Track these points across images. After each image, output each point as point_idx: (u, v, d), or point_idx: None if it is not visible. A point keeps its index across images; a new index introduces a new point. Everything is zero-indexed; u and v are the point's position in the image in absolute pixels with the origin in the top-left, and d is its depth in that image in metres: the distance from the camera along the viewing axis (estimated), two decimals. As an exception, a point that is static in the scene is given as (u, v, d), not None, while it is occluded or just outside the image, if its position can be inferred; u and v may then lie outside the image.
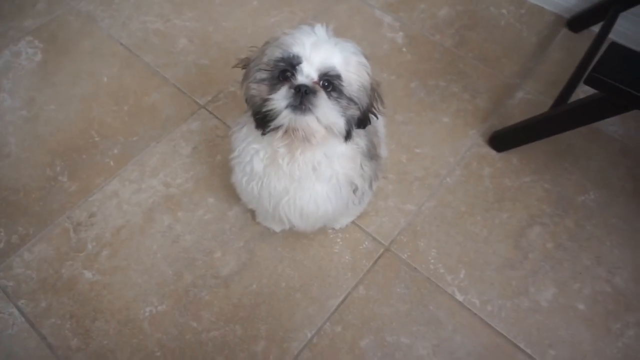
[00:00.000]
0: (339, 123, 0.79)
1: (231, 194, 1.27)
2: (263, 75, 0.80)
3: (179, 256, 1.18)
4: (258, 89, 0.80)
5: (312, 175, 0.89)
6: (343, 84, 0.78)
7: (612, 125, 1.38)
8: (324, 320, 1.11)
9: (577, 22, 1.56)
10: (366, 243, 1.21)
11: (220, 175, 1.30)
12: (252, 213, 1.23)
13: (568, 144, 1.35)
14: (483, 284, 1.15)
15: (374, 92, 0.84)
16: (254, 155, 0.91)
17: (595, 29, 1.47)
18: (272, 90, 0.78)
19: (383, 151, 1.09)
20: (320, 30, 0.80)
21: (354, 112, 0.81)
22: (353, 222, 1.23)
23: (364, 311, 1.12)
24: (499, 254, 1.19)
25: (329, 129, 0.79)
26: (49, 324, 1.09)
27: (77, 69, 1.49)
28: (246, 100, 0.85)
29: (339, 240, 1.21)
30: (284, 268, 1.17)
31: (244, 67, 0.86)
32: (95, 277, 1.15)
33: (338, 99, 0.79)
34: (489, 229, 1.23)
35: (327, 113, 0.77)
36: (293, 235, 1.21)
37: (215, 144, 1.35)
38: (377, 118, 0.89)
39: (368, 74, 0.82)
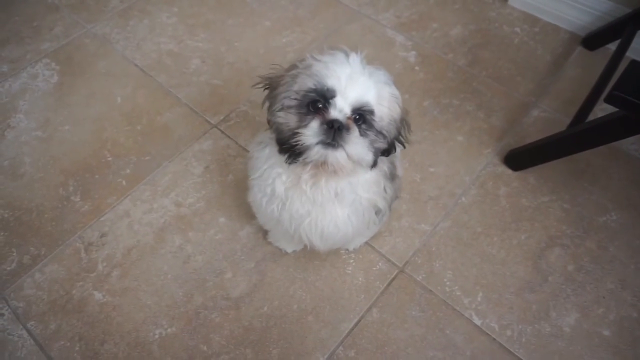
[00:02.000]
0: (368, 158, 0.78)
1: (242, 213, 1.25)
2: (292, 103, 0.77)
3: (190, 277, 1.17)
4: (286, 118, 0.78)
5: (334, 200, 0.88)
6: (375, 118, 0.77)
7: (633, 144, 1.35)
8: (337, 345, 1.07)
9: (592, 40, 1.54)
10: (380, 264, 1.18)
11: (232, 195, 1.29)
12: (264, 233, 1.21)
13: (587, 163, 1.32)
14: (502, 307, 1.11)
15: (403, 122, 0.83)
16: (276, 177, 0.89)
17: (612, 46, 1.45)
18: (301, 122, 0.76)
19: (399, 170, 1.08)
20: (355, 60, 0.77)
21: (382, 145, 0.80)
22: (366, 243, 1.20)
23: (378, 335, 1.08)
24: (518, 276, 1.16)
25: (357, 163, 0.78)
26: (58, 347, 1.08)
27: (91, 89, 1.51)
28: (270, 124, 0.83)
29: (352, 261, 1.18)
30: (295, 290, 1.14)
31: (265, 88, 0.85)
32: (106, 298, 1.14)
33: (367, 132, 0.77)
34: (506, 250, 1.19)
35: (358, 149, 0.76)
36: (305, 256, 1.19)
37: (227, 163, 1.35)
38: (405, 147, 0.87)
39: (399, 105, 0.80)
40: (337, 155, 0.75)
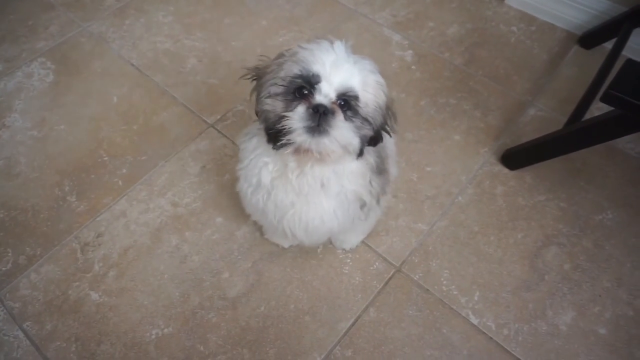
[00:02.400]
0: (354, 143, 0.78)
1: (239, 213, 1.25)
2: (278, 90, 0.78)
3: (186, 277, 1.16)
4: (272, 105, 0.79)
5: (320, 190, 0.88)
6: (360, 104, 0.77)
7: (629, 143, 1.35)
8: (334, 344, 1.07)
9: (589, 39, 1.55)
10: (377, 264, 1.18)
11: (229, 195, 1.28)
12: (261, 233, 1.21)
13: (583, 161, 1.32)
14: (498, 306, 1.12)
15: (388, 110, 0.83)
16: (262, 167, 0.89)
17: (608, 45, 1.45)
18: (287, 107, 0.77)
19: (394, 170, 1.08)
20: (339, 47, 0.78)
21: (368, 132, 0.80)
22: (363, 242, 1.20)
23: (375, 334, 1.08)
24: (515, 275, 1.16)
25: (344, 148, 0.78)
26: (54, 347, 1.07)
27: (87, 89, 1.51)
28: (257, 114, 0.84)
29: (348, 260, 1.18)
30: (292, 289, 1.14)
31: (253, 79, 0.85)
32: (102, 298, 1.14)
33: (353, 119, 0.78)
34: (503, 249, 1.20)
35: (344, 134, 0.76)
36: (302, 255, 1.18)
37: (223, 162, 1.35)
38: (390, 136, 0.87)
39: (384, 93, 0.81)
40: (323, 140, 0.76)
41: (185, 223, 1.24)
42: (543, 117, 1.42)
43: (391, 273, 1.16)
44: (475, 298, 1.13)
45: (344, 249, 1.19)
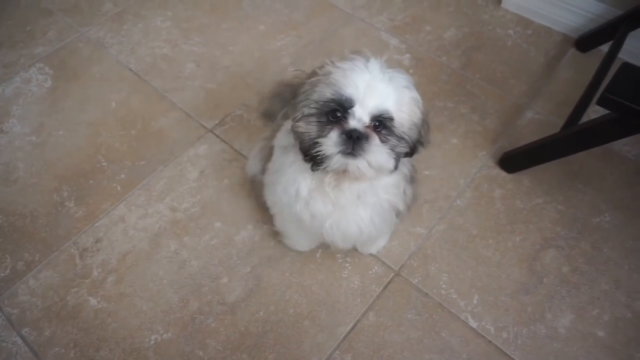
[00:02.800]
0: (389, 165, 0.79)
1: (238, 218, 1.25)
2: (311, 111, 0.78)
3: (185, 282, 1.16)
4: (306, 128, 0.79)
5: (357, 201, 0.89)
6: (395, 124, 0.77)
7: (625, 145, 1.35)
8: (333, 349, 1.07)
9: (585, 42, 1.55)
10: (376, 268, 1.18)
11: (228, 200, 1.28)
12: (260, 237, 1.21)
13: (580, 164, 1.33)
14: (497, 309, 1.12)
15: (423, 123, 0.83)
16: (301, 181, 0.89)
17: (604, 48, 1.46)
18: (321, 132, 0.77)
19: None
20: (374, 67, 0.76)
21: (403, 149, 0.80)
22: (362, 246, 1.20)
23: (374, 339, 1.08)
24: (513, 278, 1.16)
25: (379, 170, 0.79)
26: (53, 353, 1.07)
27: (85, 94, 1.51)
28: (293, 133, 0.84)
29: (347, 265, 1.18)
30: (291, 294, 1.14)
31: (293, 97, 0.84)
32: (101, 304, 1.13)
33: (388, 138, 0.78)
34: (501, 252, 1.20)
35: (378, 157, 0.77)
36: (301, 260, 1.19)
37: (222, 167, 1.35)
38: (425, 147, 0.87)
39: (419, 109, 0.80)
40: (357, 164, 0.77)
41: (184, 228, 1.24)
42: (540, 120, 1.42)
43: (390, 277, 1.16)
44: (474, 301, 1.13)
45: (371, 254, 1.19)
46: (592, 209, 1.26)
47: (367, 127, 0.76)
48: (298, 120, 0.79)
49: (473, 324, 1.10)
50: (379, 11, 1.71)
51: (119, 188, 1.31)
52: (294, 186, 0.90)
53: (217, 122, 1.44)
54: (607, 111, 1.01)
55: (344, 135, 0.75)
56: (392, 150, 0.78)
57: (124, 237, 1.23)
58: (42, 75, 1.55)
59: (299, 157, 0.84)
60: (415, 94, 0.79)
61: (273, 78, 1.17)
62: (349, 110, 0.75)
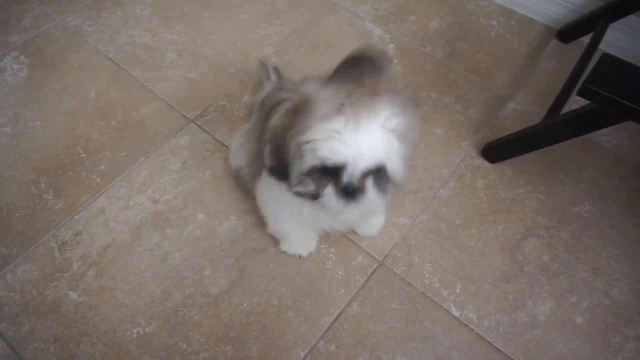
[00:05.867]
0: (380, 206, 0.85)
1: (221, 209, 1.24)
2: (305, 176, 0.78)
3: (168, 275, 1.15)
4: (305, 189, 0.80)
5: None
6: (389, 172, 0.78)
7: (605, 136, 1.38)
8: (317, 339, 1.07)
9: (566, 33, 1.57)
10: (359, 258, 1.18)
11: (210, 191, 1.27)
12: (244, 229, 1.20)
13: (561, 154, 1.34)
14: (480, 298, 1.13)
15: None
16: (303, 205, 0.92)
17: (585, 39, 1.47)
18: (319, 187, 0.78)
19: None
20: (364, 128, 0.72)
21: (395, 184, 0.82)
22: (346, 237, 1.20)
23: (359, 329, 1.09)
24: (495, 267, 1.17)
25: (375, 201, 0.81)
26: (32, 349, 1.05)
27: (63, 84, 1.47)
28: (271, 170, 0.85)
29: (331, 255, 1.18)
30: (275, 285, 1.14)
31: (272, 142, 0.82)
32: (81, 298, 1.12)
33: (381, 180, 0.79)
34: (484, 241, 1.21)
35: (373, 201, 0.79)
36: (284, 252, 1.18)
37: (204, 158, 1.33)
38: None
39: (411, 149, 0.81)
40: (353, 209, 0.80)
41: (166, 220, 1.23)
42: (523, 110, 1.44)
43: (374, 267, 1.17)
44: (457, 290, 1.14)
45: (372, 236, 1.19)
46: (572, 198, 1.28)
47: (363, 178, 0.76)
48: (294, 186, 0.80)
49: (456, 312, 1.11)
50: (363, 0, 1.69)
51: (98, 180, 1.29)
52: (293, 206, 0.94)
53: (199, 112, 1.42)
54: (588, 102, 1.02)
55: (340, 191, 0.77)
56: (386, 190, 0.80)
57: (104, 230, 1.21)
58: (18, 64, 1.51)
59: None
60: (408, 150, 0.79)
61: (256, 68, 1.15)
62: (342, 169, 0.75)
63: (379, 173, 0.78)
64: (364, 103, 0.72)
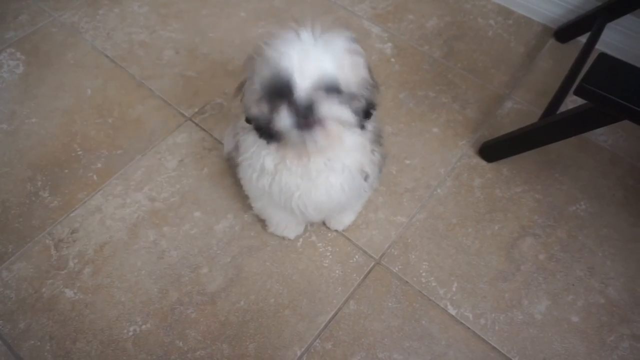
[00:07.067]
0: (346, 117, 0.78)
1: (218, 207, 1.24)
2: (259, 94, 0.78)
3: (165, 273, 1.15)
4: (259, 109, 0.79)
5: (324, 169, 0.89)
6: (341, 85, 0.76)
7: (601, 135, 1.38)
8: (314, 337, 1.08)
9: (564, 33, 1.57)
10: (356, 257, 1.18)
11: (207, 189, 1.27)
12: (241, 227, 1.20)
13: (558, 153, 1.35)
14: (476, 297, 1.13)
15: (372, 79, 0.83)
16: (265, 156, 0.90)
17: (582, 39, 1.47)
18: (273, 109, 0.77)
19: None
20: (306, 35, 0.76)
21: (358, 104, 0.80)
22: (343, 235, 1.20)
23: (355, 327, 1.09)
24: (491, 266, 1.18)
25: (339, 126, 0.78)
26: (28, 346, 1.05)
27: (60, 81, 1.46)
28: (248, 120, 0.84)
29: (328, 254, 1.18)
30: (272, 284, 1.14)
31: (239, 89, 0.85)
32: (77, 295, 1.11)
33: (338, 98, 0.77)
34: (480, 240, 1.21)
35: (334, 114, 0.76)
36: (282, 249, 1.18)
37: (202, 156, 1.33)
38: (375, 109, 0.87)
39: (363, 65, 0.80)
40: (315, 133, 0.76)
41: (163, 218, 1.22)
42: (520, 109, 1.44)
43: (371, 266, 1.17)
44: (454, 289, 1.14)
45: (337, 230, 1.19)
46: (568, 197, 1.28)
47: (314, 91, 0.75)
48: (250, 105, 0.80)
49: (452, 311, 1.11)
50: (361, -1, 1.69)
51: (95, 177, 1.28)
52: (259, 162, 0.90)
53: (196, 110, 1.41)
54: (585, 101, 1.03)
55: (293, 108, 0.74)
56: (346, 106, 0.78)
57: (101, 228, 1.21)
58: (14, 60, 1.50)
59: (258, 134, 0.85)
60: (357, 58, 0.79)
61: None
62: (291, 82, 0.74)
63: (334, 92, 0.76)
64: (315, 27, 0.76)
